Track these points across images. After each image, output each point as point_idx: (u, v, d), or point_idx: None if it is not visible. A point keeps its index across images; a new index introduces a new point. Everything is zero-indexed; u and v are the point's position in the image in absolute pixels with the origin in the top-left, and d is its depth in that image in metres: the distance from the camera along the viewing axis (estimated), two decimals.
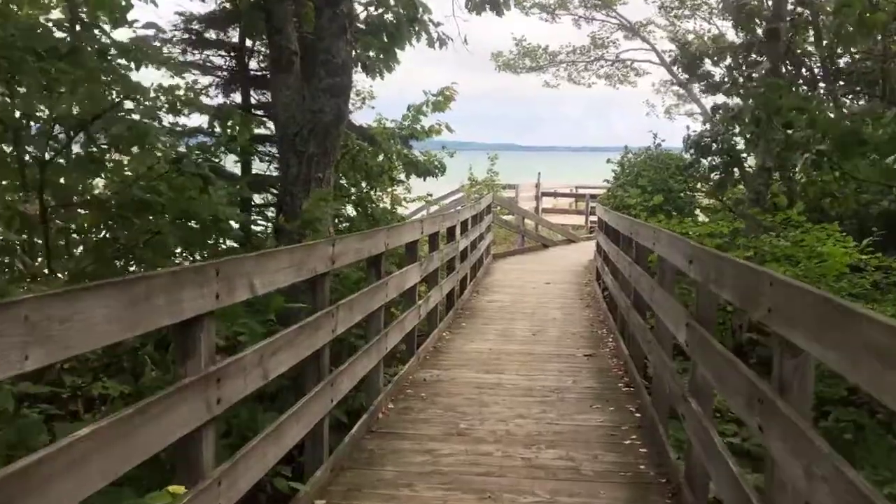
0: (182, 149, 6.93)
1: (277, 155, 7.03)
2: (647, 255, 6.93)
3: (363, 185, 9.11)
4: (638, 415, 5.86)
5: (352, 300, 4.84)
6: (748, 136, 13.83)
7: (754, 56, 14.56)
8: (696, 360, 3.93)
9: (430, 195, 13.82)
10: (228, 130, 6.48)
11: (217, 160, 9.12)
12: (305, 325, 3.96)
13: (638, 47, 22.24)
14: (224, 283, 2.88)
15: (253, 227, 8.21)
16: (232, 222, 5.20)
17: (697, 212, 14.19)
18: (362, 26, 7.57)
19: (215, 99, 9.90)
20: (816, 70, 14.19)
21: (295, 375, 4.28)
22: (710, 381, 3.68)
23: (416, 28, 7.43)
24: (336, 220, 8.62)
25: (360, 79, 11.65)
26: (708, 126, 16.96)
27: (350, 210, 9.61)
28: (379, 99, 13.38)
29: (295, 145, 6.07)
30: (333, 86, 6.01)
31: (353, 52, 7.35)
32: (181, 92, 6.05)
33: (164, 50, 9.57)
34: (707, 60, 15.59)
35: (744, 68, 14.89)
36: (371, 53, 8.38)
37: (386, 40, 7.32)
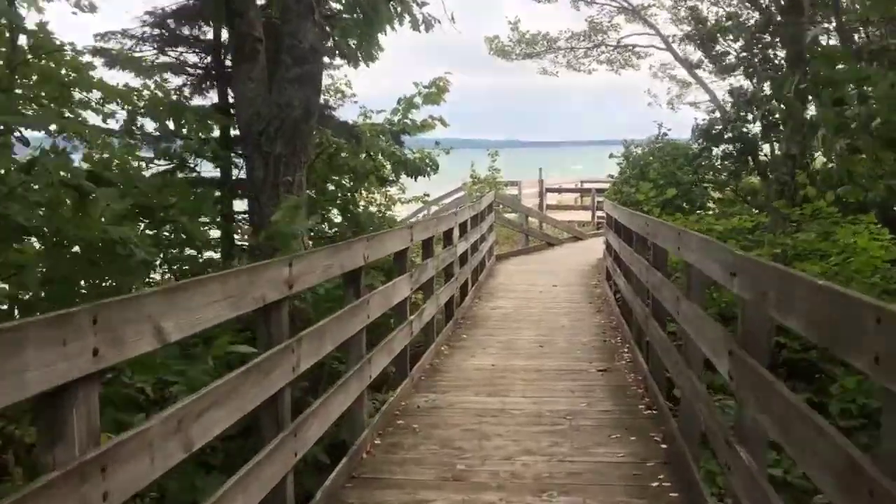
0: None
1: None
2: (666, 257, 6.13)
3: (348, 187, 8.29)
4: (664, 446, 5.04)
5: (321, 328, 4.03)
6: (764, 121, 13.03)
7: (769, 37, 13.73)
8: (745, 400, 3.12)
9: (427, 195, 13.05)
10: (185, 130, 5.68)
11: (191, 164, 8.47)
12: (253, 367, 3.16)
13: (640, 31, 21.34)
14: (106, 334, 2.09)
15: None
16: (144, 248, 4.20)
17: (710, 204, 13.37)
18: (337, 6, 6.77)
19: (191, 100, 9.11)
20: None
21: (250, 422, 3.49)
22: (767, 429, 2.88)
23: (398, 9, 6.64)
24: (319, 229, 7.84)
25: (347, 72, 10.88)
26: (718, 113, 16.19)
27: (337, 215, 8.83)
28: (371, 100, 12.60)
29: (260, 145, 5.26)
30: (301, 75, 5.23)
31: (330, 40, 6.54)
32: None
33: (135, 50, 8.86)
34: (721, 40, 14.73)
35: (759, 49, 14.06)
36: (352, 43, 7.57)
37: (363, 22, 6.51)
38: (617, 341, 8.28)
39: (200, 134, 7.61)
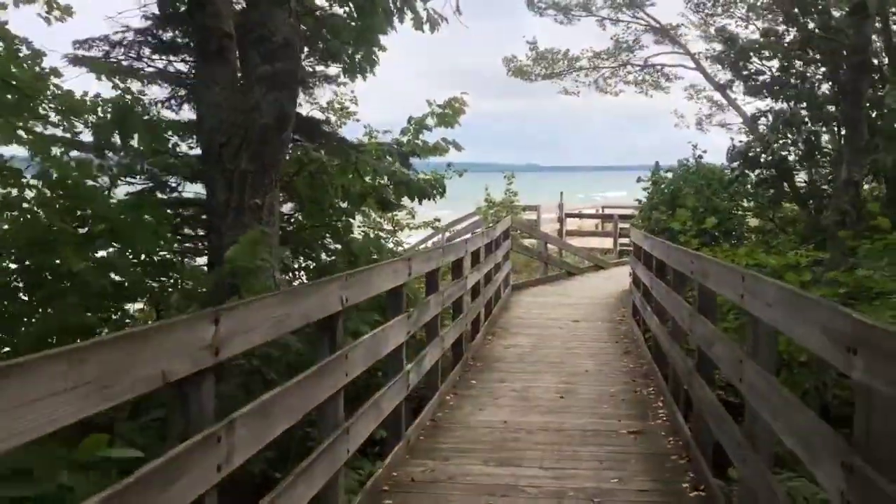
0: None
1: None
2: (715, 301, 5.08)
3: (343, 210, 7.29)
4: None
5: (266, 402, 3.00)
6: (806, 145, 11.97)
7: (811, 53, 12.67)
8: None
9: (438, 220, 12.04)
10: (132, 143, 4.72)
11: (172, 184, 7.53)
12: (148, 474, 2.15)
13: (668, 51, 20.29)
14: None
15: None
16: None
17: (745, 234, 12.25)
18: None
19: (181, 112, 8.19)
20: None
21: None
22: None
23: (398, 2, 5.68)
24: (303, 263, 6.86)
25: (354, 88, 9.97)
26: (751, 135, 15.11)
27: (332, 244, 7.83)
28: (383, 127, 11.63)
29: (221, 161, 4.28)
30: (274, 75, 4.27)
31: (320, 44, 5.58)
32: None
33: (116, 57, 7.99)
34: (755, 58, 13.69)
35: (798, 67, 13.00)
36: (347, 47, 6.61)
37: (357, 17, 5.55)
38: (650, 392, 7.19)
39: (178, 149, 6.68)
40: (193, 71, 8.08)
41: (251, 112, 4.29)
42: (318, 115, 9.66)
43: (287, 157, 5.40)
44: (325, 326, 3.87)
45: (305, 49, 6.98)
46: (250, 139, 4.28)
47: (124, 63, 7.98)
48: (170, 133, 7.35)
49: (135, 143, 5.78)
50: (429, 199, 8.11)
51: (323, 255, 7.97)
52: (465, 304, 8.36)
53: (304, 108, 9.79)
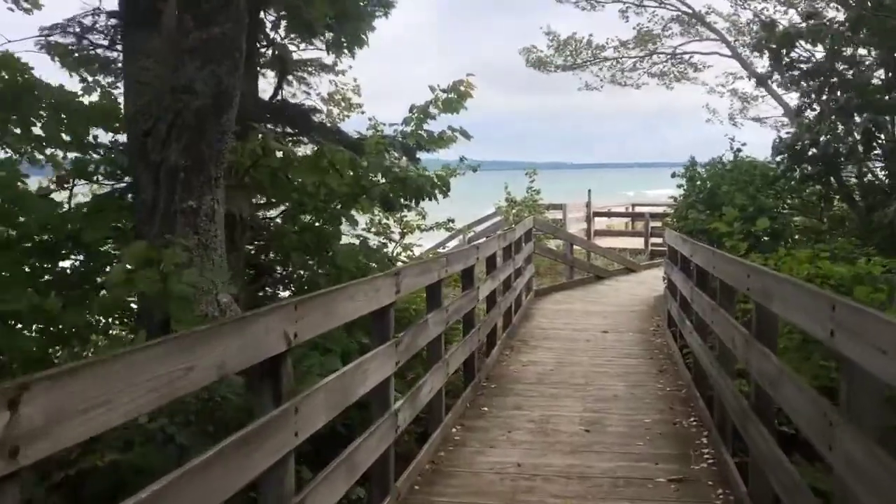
0: None
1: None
2: (775, 325, 4.04)
3: (326, 211, 6.29)
4: None
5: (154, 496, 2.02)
6: (860, 135, 10.78)
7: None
8: None
9: (452, 221, 11.04)
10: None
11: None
12: None
13: (698, 38, 18.98)
14: None
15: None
16: None
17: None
18: None
19: None
20: None
21: None
22: None
23: None
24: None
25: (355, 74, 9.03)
26: (793, 128, 13.90)
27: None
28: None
29: (146, 153, 3.33)
30: (209, 41, 3.28)
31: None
32: None
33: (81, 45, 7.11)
34: (801, 44, 12.50)
35: (847, 52, 11.79)
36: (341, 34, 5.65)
37: None
38: (691, 424, 6.13)
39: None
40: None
41: (182, 92, 3.36)
42: (318, 106, 8.76)
43: (244, 148, 4.42)
44: (267, 373, 2.90)
45: (283, 26, 6.09)
46: (181, 125, 3.36)
47: (96, 51, 7.12)
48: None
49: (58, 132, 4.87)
50: (427, 200, 7.11)
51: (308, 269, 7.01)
52: (476, 319, 7.37)
53: (298, 99, 8.91)
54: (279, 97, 6.95)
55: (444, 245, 14.62)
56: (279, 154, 5.07)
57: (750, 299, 4.21)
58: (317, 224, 6.00)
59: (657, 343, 9.49)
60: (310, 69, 9.01)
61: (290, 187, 5.54)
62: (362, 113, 10.27)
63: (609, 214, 23.03)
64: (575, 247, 14.96)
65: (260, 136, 5.28)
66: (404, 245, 10.20)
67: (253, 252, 5.79)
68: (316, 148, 7.08)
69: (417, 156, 9.44)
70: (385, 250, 9.53)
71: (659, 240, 21.50)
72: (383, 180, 6.46)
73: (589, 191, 18.67)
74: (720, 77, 19.95)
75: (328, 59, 8.05)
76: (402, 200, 6.88)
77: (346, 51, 6.27)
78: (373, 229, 10.23)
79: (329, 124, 9.51)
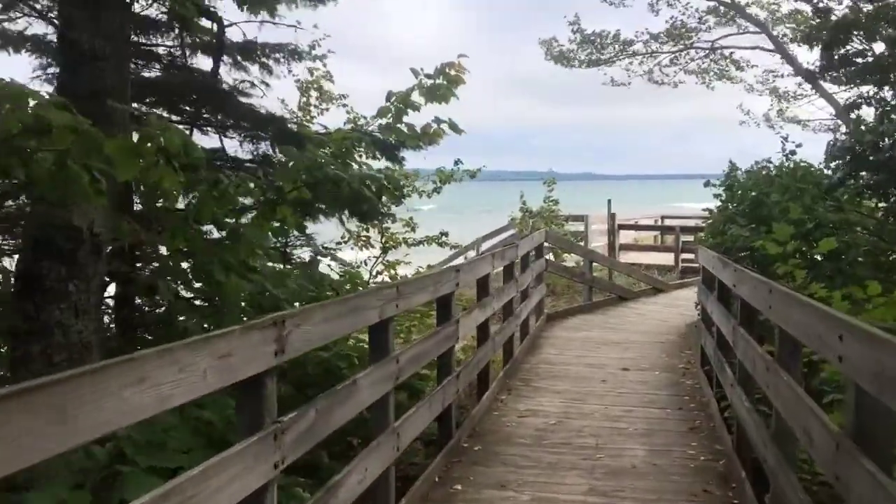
0: None
1: None
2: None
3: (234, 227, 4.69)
4: None
5: None
6: None
7: None
8: None
9: (445, 234, 9.44)
10: None
11: None
12: None
13: (736, 31, 17.14)
14: None
15: None
16: None
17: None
18: None
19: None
20: None
21: None
22: None
23: None
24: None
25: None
26: (844, 129, 12.18)
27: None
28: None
29: None
30: None
31: None
32: None
33: None
34: (855, 35, 10.78)
35: None
36: None
37: None
38: None
39: None
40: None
41: None
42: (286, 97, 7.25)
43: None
44: None
45: None
46: None
47: None
48: None
49: None
50: (364, 216, 5.54)
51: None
52: (453, 362, 5.75)
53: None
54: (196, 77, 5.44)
55: (449, 263, 13.02)
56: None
57: (847, 381, 2.55)
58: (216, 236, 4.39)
59: (688, 386, 7.79)
60: (277, 55, 7.54)
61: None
62: (343, 106, 8.75)
63: (635, 227, 21.31)
64: (594, 264, 13.25)
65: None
66: (387, 263, 8.63)
67: (125, 280, 4.25)
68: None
69: (402, 155, 7.95)
70: (358, 269, 8.00)
71: (691, 255, 19.75)
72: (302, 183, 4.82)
73: (609, 201, 16.89)
74: (759, 76, 18.13)
75: (300, 42, 6.53)
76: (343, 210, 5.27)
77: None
78: (349, 243, 8.70)
79: (292, 119, 8.02)
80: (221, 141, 5.98)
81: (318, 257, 7.30)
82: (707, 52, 17.71)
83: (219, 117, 5.51)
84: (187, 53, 6.47)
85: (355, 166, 5.43)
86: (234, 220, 4.21)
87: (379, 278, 8.49)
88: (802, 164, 8.97)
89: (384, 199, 5.34)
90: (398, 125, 7.10)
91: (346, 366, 4.55)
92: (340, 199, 4.61)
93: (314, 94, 8.42)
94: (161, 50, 6.59)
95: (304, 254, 8.14)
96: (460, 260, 13.67)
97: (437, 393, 5.25)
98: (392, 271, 8.43)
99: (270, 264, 5.15)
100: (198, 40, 6.80)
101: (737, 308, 5.32)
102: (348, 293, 5.72)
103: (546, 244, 11.70)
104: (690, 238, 21.00)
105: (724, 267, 6.02)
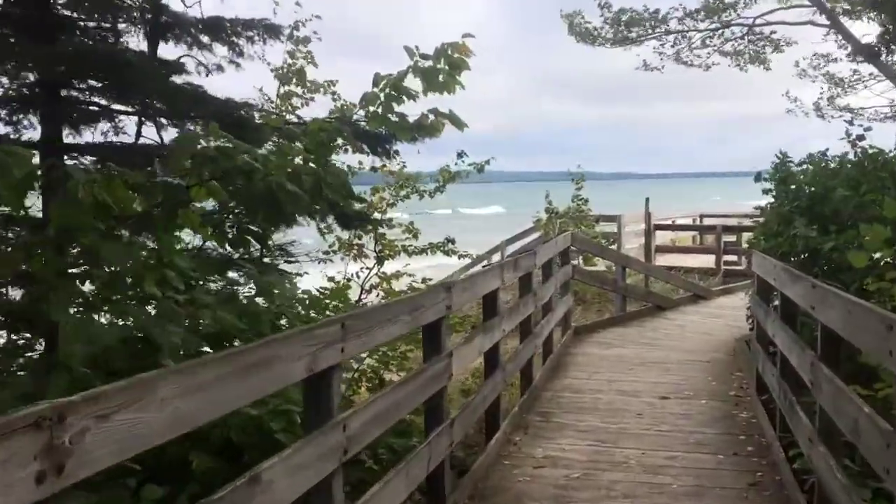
0: None
1: None
2: None
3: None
4: None
5: None
6: None
7: None
8: None
9: (451, 241, 8.17)
10: None
11: None
12: None
13: (783, 5, 15.49)
14: None
15: None
16: None
17: None
18: None
19: None
20: None
21: None
22: None
23: None
24: None
25: None
26: None
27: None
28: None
29: None
30: None
31: None
32: None
33: None
34: None
35: None
36: None
37: None
38: None
39: None
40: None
41: None
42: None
43: None
44: None
45: None
46: None
47: None
48: None
49: None
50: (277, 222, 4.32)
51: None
52: (444, 407, 4.48)
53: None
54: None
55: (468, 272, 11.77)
56: None
57: None
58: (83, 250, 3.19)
59: (743, 421, 6.44)
60: (249, 33, 6.39)
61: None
62: (332, 93, 7.54)
63: (673, 227, 19.83)
64: (628, 269, 11.87)
65: None
66: (382, 275, 7.39)
67: None
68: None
69: (395, 148, 6.79)
70: (347, 283, 6.81)
71: (734, 257, 18.27)
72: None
73: (647, 199, 15.47)
74: (809, 59, 16.55)
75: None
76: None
77: None
78: (339, 252, 7.50)
79: (270, 110, 6.83)
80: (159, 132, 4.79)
81: (280, 274, 6.12)
82: (746, 30, 16.03)
83: (158, 105, 4.33)
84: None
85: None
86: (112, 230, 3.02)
87: (373, 294, 7.27)
88: (873, 149, 7.52)
89: (330, 195, 4.08)
90: (389, 115, 5.91)
91: (283, 426, 3.33)
92: (255, 196, 3.41)
93: (296, 81, 7.24)
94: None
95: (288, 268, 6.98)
96: (475, 269, 12.42)
97: (421, 452, 4.00)
98: (387, 284, 7.21)
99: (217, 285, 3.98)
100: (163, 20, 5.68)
101: (817, 337, 3.99)
102: (312, 322, 4.54)
103: (573, 248, 10.39)
104: (732, 238, 19.51)
105: (795, 281, 4.67)
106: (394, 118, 5.99)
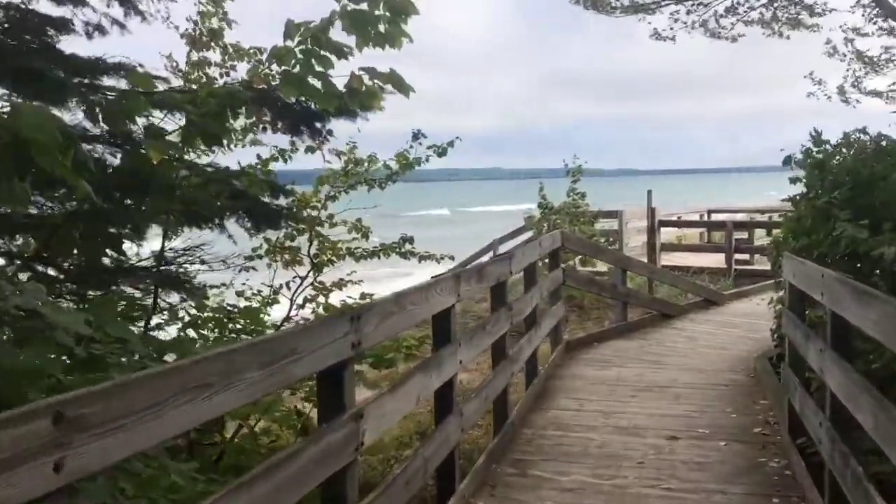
0: None
1: None
2: None
3: None
4: None
5: None
6: None
7: None
8: None
9: (408, 240, 6.70)
10: None
11: None
12: None
13: None
14: None
15: None
16: None
17: None
18: None
19: None
20: None
21: None
22: None
23: None
24: None
25: None
26: None
27: None
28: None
29: None
30: None
31: None
32: None
33: None
34: None
35: None
36: None
37: None
38: None
39: None
40: None
41: None
42: None
43: None
44: None
45: None
46: None
47: None
48: None
49: None
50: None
51: None
52: (348, 497, 3.02)
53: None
54: None
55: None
56: None
57: None
58: None
59: (774, 474, 4.98)
60: None
61: None
62: (258, 61, 6.08)
63: (678, 224, 18.34)
64: (629, 272, 10.38)
65: None
66: (318, 286, 5.93)
67: None
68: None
69: (328, 127, 5.45)
70: (271, 298, 5.41)
71: (745, 256, 16.78)
72: None
73: (649, 192, 13.87)
74: (840, 29, 14.94)
75: None
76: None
77: None
78: (264, 258, 6.06)
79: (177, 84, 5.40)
80: None
81: (186, 286, 4.70)
82: None
83: None
84: None
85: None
86: None
87: (306, 310, 5.83)
88: None
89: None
90: (307, 75, 4.50)
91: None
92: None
93: (213, 43, 5.82)
94: None
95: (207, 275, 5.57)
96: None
97: None
98: (324, 298, 5.76)
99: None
100: None
101: None
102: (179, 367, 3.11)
103: (565, 249, 8.94)
104: (744, 235, 18.05)
105: (864, 302, 3.19)
106: (316, 84, 4.59)
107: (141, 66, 4.62)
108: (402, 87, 4.56)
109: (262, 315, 4.89)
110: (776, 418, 6.00)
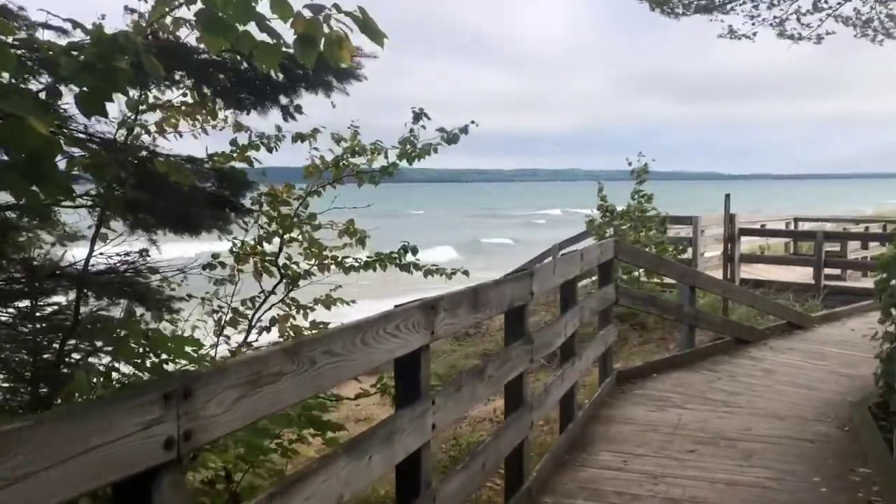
0: None
1: None
2: None
3: None
4: None
5: None
6: None
7: None
8: None
9: (409, 250, 5.43)
10: None
11: None
12: None
13: None
14: None
15: None
16: None
17: None
18: None
19: None
20: None
21: None
22: None
23: None
24: None
25: None
26: None
27: None
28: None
29: None
30: None
31: None
32: None
33: None
34: None
35: None
36: None
37: None
38: None
39: None
40: None
41: None
42: None
43: None
44: None
45: None
46: None
47: None
48: None
49: None
50: None
51: None
52: None
53: None
54: None
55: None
56: None
57: None
58: None
59: None
60: None
61: None
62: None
63: (762, 233, 16.53)
64: (698, 288, 8.85)
65: None
66: (290, 301, 4.76)
67: None
68: None
69: (295, 102, 4.32)
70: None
71: (836, 271, 14.89)
72: None
73: (727, 196, 12.18)
74: None
75: None
76: None
77: None
78: (226, 266, 4.93)
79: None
80: None
81: (132, 298, 3.62)
82: None
83: None
84: None
85: None
86: None
87: (274, 333, 4.67)
88: None
89: None
90: (238, 24, 3.30)
91: None
92: None
93: None
94: None
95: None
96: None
97: None
98: (294, 320, 4.58)
99: None
100: None
101: None
102: None
103: (618, 260, 7.55)
104: (836, 247, 16.16)
105: None
106: (262, 36, 3.38)
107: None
108: (374, 33, 3.30)
109: (188, 347, 3.73)
110: (883, 498, 4.51)
